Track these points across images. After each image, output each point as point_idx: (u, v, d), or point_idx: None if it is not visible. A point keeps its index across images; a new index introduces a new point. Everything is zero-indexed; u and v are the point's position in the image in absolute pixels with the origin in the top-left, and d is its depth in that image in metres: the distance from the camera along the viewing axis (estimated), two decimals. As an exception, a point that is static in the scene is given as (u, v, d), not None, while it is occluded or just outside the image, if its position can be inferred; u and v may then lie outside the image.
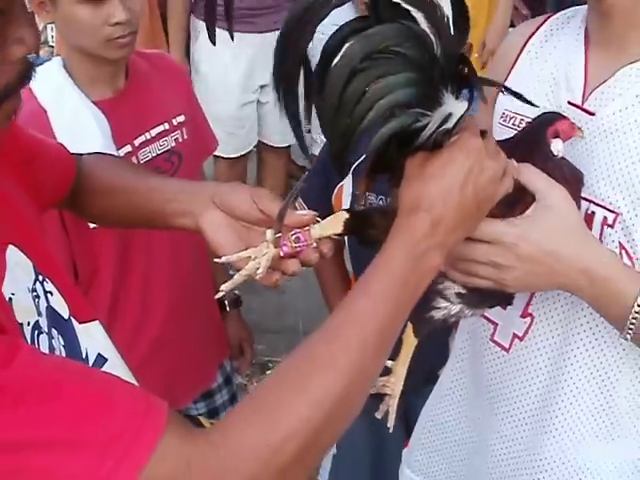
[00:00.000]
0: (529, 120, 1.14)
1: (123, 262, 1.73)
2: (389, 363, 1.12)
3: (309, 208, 1.07)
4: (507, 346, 1.22)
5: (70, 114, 1.61)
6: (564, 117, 1.05)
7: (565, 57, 1.16)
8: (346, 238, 1.93)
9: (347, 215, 1.01)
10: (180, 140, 1.81)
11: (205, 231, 1.05)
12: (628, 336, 1.01)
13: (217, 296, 1.03)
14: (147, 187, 1.16)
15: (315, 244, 0.99)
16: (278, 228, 0.98)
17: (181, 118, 1.82)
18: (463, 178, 0.87)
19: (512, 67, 1.25)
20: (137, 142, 1.72)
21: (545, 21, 1.25)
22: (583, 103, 1.12)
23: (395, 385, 1.13)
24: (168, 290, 1.82)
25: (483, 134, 0.92)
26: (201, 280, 1.94)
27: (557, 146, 1.02)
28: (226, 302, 2.07)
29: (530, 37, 1.24)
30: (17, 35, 0.82)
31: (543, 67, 1.20)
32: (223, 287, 1.01)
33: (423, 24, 0.84)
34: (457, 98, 0.87)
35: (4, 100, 0.84)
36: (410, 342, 1.12)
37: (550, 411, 1.20)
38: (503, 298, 1.08)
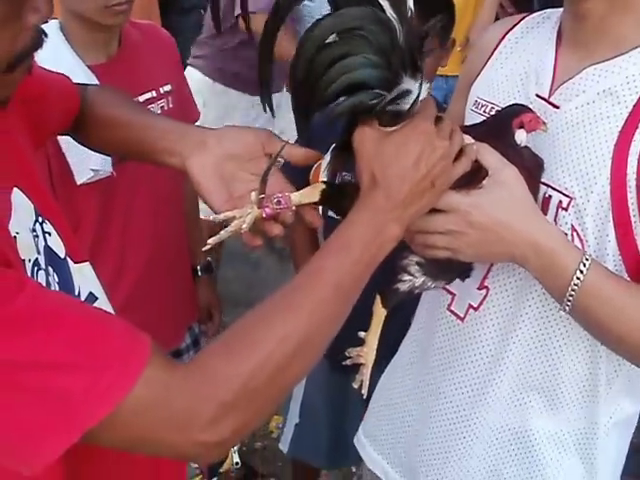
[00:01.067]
0: (499, 109, 1.24)
1: (103, 219, 1.80)
2: (362, 334, 1.22)
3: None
4: (462, 315, 1.31)
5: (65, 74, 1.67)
6: (530, 110, 1.15)
7: (537, 54, 1.26)
8: (321, 211, 2.02)
9: (324, 186, 1.10)
10: (165, 108, 1.89)
11: (192, 174, 1.11)
12: (567, 307, 1.09)
13: (204, 248, 1.11)
14: (142, 123, 1.22)
15: (294, 208, 1.08)
16: (262, 190, 1.06)
17: (168, 87, 1.90)
18: (416, 157, 0.97)
19: (488, 60, 1.35)
20: (126, 107, 1.78)
21: (522, 19, 1.35)
22: (550, 97, 1.21)
23: (368, 354, 1.21)
24: (144, 250, 1.89)
25: (438, 119, 1.02)
26: (177, 243, 2.01)
27: (520, 136, 1.12)
28: (198, 267, 2.15)
29: (507, 33, 1.34)
30: (33, 4, 0.88)
31: (516, 61, 1.29)
32: (210, 240, 1.09)
33: (389, 11, 0.94)
34: (415, 82, 0.98)
35: (20, 63, 0.91)
36: (379, 313, 1.22)
37: (495, 378, 1.28)
38: (460, 270, 1.17)
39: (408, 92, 0.97)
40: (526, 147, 1.14)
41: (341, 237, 0.96)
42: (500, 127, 1.13)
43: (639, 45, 1.13)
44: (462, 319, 1.31)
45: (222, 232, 1.08)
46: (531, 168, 1.13)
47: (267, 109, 1.07)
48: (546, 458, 1.28)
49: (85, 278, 1.10)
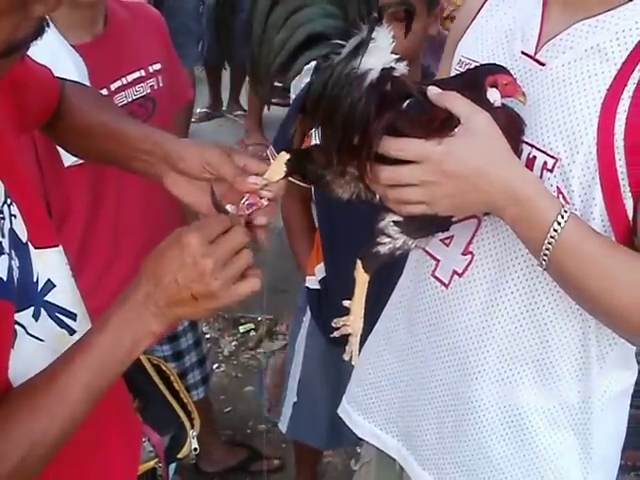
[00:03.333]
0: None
1: (95, 201, 1.79)
2: (346, 303, 1.19)
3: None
4: (447, 282, 1.27)
5: (48, 56, 1.63)
6: (508, 73, 1.10)
7: (524, 11, 1.22)
8: (313, 194, 2.01)
9: (287, 155, 1.08)
10: (155, 87, 1.88)
11: (172, 193, 1.15)
12: (543, 262, 1.04)
13: None
14: (118, 135, 1.22)
15: (266, 202, 1.08)
16: (220, 209, 1.07)
17: (157, 66, 1.88)
18: (174, 270, 0.94)
19: (475, 16, 1.31)
20: (113, 87, 1.79)
21: None
22: (535, 54, 1.17)
23: (354, 323, 1.19)
24: (139, 231, 1.88)
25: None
26: (172, 226, 1.99)
27: (493, 95, 1.07)
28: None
29: None
30: None
31: (502, 18, 1.25)
32: None
33: None
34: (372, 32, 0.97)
35: (17, 50, 0.89)
36: (362, 279, 1.18)
37: (484, 348, 1.24)
38: (438, 224, 1.13)
39: (368, 40, 0.95)
40: (503, 105, 1.09)
41: (94, 332, 0.96)
42: (473, 83, 1.09)
43: (628, 1, 1.09)
44: (446, 285, 1.28)
45: None
46: (507, 127, 1.08)
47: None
48: (538, 435, 1.25)
49: (45, 264, 1.06)
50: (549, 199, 1.04)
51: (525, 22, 1.20)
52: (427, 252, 1.32)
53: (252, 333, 3.47)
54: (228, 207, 1.06)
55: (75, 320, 1.11)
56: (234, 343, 3.41)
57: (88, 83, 1.68)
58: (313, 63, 1.00)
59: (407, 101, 1.05)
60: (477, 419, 1.29)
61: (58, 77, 1.30)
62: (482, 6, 1.30)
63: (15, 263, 0.99)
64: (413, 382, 1.39)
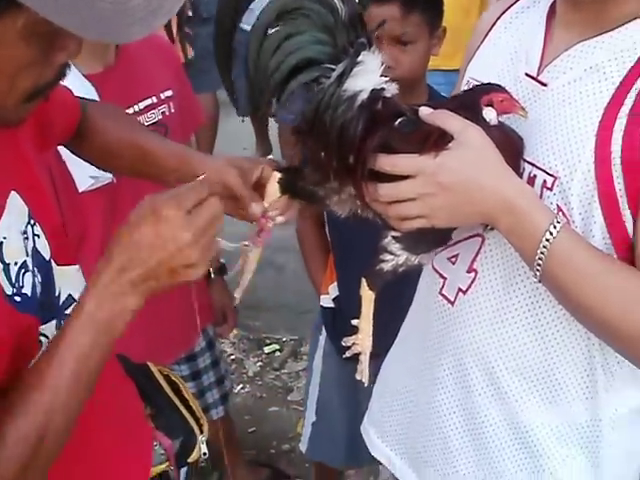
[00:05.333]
0: None
1: (111, 225, 1.82)
2: (354, 322, 1.22)
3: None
4: (452, 299, 1.29)
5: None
6: (504, 90, 1.12)
7: (528, 34, 1.24)
8: (325, 216, 2.04)
9: (279, 174, 1.13)
10: (167, 113, 1.91)
11: None
12: (537, 273, 1.05)
13: (235, 302, 1.24)
14: (146, 154, 1.28)
15: (271, 223, 1.16)
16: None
17: (169, 93, 1.92)
18: (152, 243, 0.95)
19: (484, 39, 1.33)
20: (126, 114, 1.82)
21: (515, 2, 1.32)
22: (538, 75, 1.19)
23: (363, 341, 1.22)
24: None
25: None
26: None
27: (489, 114, 1.10)
28: (211, 270, 2.17)
29: (503, 13, 1.32)
30: (62, 43, 0.91)
31: (508, 41, 1.28)
32: (236, 295, 1.23)
33: None
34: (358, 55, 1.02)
35: (42, 94, 0.96)
36: (368, 297, 1.22)
37: (488, 365, 1.25)
38: (437, 238, 1.16)
39: (360, 63, 0.99)
40: (501, 124, 1.12)
41: (71, 319, 0.97)
42: (468, 103, 1.12)
43: (627, 21, 1.10)
44: (452, 303, 1.29)
45: (242, 282, 1.21)
46: (503, 145, 1.10)
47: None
48: (547, 453, 1.25)
49: (67, 281, 1.12)
50: (542, 210, 1.06)
51: (529, 44, 1.22)
52: (436, 270, 1.34)
53: (277, 354, 3.48)
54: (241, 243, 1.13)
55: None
56: (259, 364, 3.43)
57: (99, 112, 1.73)
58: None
59: (399, 119, 1.08)
60: (485, 437, 1.29)
61: (78, 97, 1.35)
62: (491, 28, 1.33)
63: (38, 279, 1.04)
64: (421, 403, 1.40)
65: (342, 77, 1.02)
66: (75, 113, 1.31)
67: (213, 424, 2.38)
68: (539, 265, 1.05)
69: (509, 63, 1.24)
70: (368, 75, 1.04)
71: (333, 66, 1.02)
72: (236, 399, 3.19)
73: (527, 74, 1.20)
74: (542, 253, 1.03)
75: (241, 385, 3.29)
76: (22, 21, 0.84)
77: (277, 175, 1.13)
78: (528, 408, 1.24)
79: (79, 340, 0.95)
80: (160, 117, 1.90)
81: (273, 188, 1.14)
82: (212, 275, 2.20)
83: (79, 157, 1.41)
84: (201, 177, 1.02)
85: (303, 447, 2.29)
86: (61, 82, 0.99)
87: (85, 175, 1.72)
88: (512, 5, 1.32)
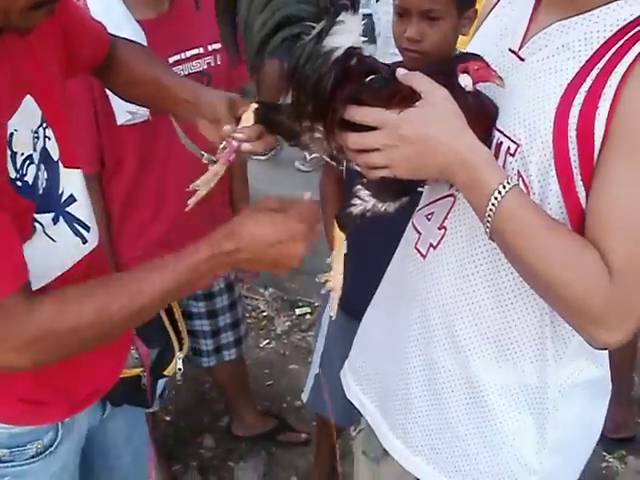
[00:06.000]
0: None
1: (144, 157, 1.99)
2: (327, 260, 1.33)
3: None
4: (425, 253, 1.38)
5: (113, 26, 1.83)
6: (481, 60, 1.21)
7: (519, 11, 1.32)
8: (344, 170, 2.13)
9: (256, 105, 1.26)
10: (212, 64, 2.05)
11: (205, 136, 1.37)
12: (487, 229, 1.12)
13: (186, 209, 1.36)
14: (163, 86, 1.44)
15: (236, 144, 1.28)
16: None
17: (217, 45, 2.05)
18: (270, 242, 1.16)
19: (488, 14, 1.42)
20: (171, 60, 1.98)
21: None
22: (519, 50, 1.27)
23: (335, 278, 1.32)
24: (181, 196, 2.05)
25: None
26: (218, 198, 2.17)
27: (464, 80, 1.20)
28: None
29: None
30: None
31: (502, 18, 1.36)
32: (190, 201, 1.37)
33: None
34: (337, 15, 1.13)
35: (45, 5, 1.10)
36: (339, 237, 1.32)
37: (449, 319, 1.33)
38: (400, 188, 1.25)
39: (340, 22, 1.10)
40: (477, 92, 1.21)
41: (180, 259, 1.16)
42: (445, 69, 1.21)
43: (602, 4, 1.17)
44: (424, 257, 1.38)
45: (197, 192, 1.36)
46: (476, 110, 1.20)
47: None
48: (496, 411, 1.32)
49: (70, 181, 1.30)
50: (495, 169, 1.14)
51: (517, 21, 1.30)
52: (414, 226, 1.43)
53: (307, 317, 3.60)
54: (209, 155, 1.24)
55: (88, 232, 1.34)
56: (288, 323, 3.55)
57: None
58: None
59: (372, 76, 1.18)
60: (441, 386, 1.37)
61: (110, 34, 1.50)
62: (495, 5, 1.41)
63: (44, 175, 1.22)
64: (391, 349, 1.48)
65: (321, 34, 1.13)
66: (104, 46, 1.48)
67: (225, 366, 2.53)
68: (488, 221, 1.13)
69: (498, 38, 1.32)
70: (346, 34, 1.15)
71: (314, 24, 1.13)
72: (260, 353, 3.34)
73: (510, 49, 1.28)
74: (490, 210, 1.11)
75: (267, 341, 3.43)
76: None
77: (254, 106, 1.26)
78: (482, 364, 1.32)
79: (177, 276, 1.15)
80: (205, 67, 2.05)
81: (248, 116, 1.27)
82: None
83: (105, 86, 1.55)
84: (308, 194, 1.25)
85: (304, 397, 2.39)
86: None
87: (123, 110, 1.87)
88: None
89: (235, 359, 2.53)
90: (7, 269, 1.07)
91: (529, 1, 1.30)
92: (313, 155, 4.37)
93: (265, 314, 3.60)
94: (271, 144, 1.31)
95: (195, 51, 2.02)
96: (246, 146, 1.27)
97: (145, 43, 1.89)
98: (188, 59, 2.01)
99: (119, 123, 1.90)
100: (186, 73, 2.00)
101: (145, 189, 2.04)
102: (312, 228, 1.19)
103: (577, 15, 1.19)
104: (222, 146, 1.30)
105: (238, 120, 1.30)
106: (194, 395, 3.09)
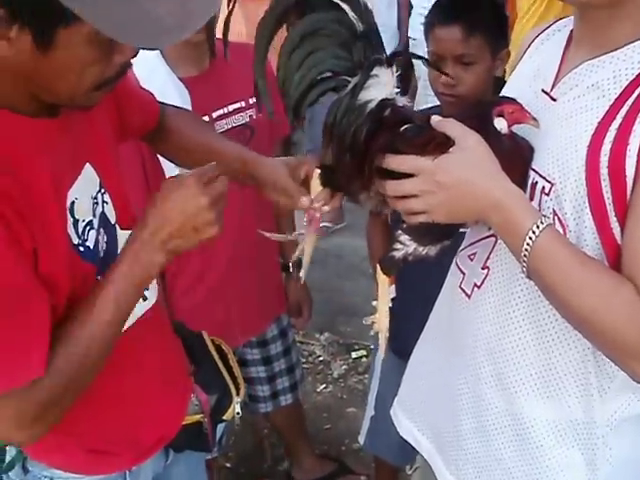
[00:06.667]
0: None
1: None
2: (374, 303, 1.36)
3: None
4: (469, 293, 1.40)
5: (158, 86, 1.92)
6: (515, 103, 1.24)
7: (551, 51, 1.35)
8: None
9: (319, 171, 1.32)
10: (254, 117, 2.11)
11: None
12: (524, 270, 1.14)
13: (301, 274, 1.43)
14: (214, 154, 1.50)
15: (319, 213, 1.36)
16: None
17: (257, 99, 2.11)
18: (179, 205, 1.18)
19: (522, 57, 1.45)
20: (215, 115, 2.05)
21: (553, 24, 1.43)
22: (551, 91, 1.30)
23: (380, 321, 1.36)
24: (232, 244, 2.11)
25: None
26: (265, 239, 2.21)
27: (499, 123, 1.23)
28: (290, 263, 2.34)
29: (539, 35, 1.44)
30: (120, 47, 1.12)
31: (536, 60, 1.39)
32: (300, 274, 1.44)
33: (350, 13, 1.15)
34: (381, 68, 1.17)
35: (105, 87, 1.17)
36: (382, 281, 1.36)
37: (494, 357, 1.34)
38: (442, 232, 1.28)
39: (374, 76, 1.14)
40: (513, 134, 1.24)
41: (112, 271, 1.19)
42: (480, 114, 1.25)
43: (628, 42, 1.19)
44: (469, 296, 1.40)
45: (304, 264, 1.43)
46: (511, 152, 1.22)
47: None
48: (544, 446, 1.32)
49: None
50: (528, 210, 1.16)
51: (549, 62, 1.33)
52: (458, 266, 1.46)
53: (363, 359, 3.61)
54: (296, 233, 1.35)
55: (147, 289, 1.38)
56: (344, 367, 3.57)
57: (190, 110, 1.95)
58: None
59: (406, 126, 1.23)
60: (489, 423, 1.38)
61: (160, 102, 1.57)
62: (527, 49, 1.44)
63: (103, 238, 1.29)
64: (440, 386, 1.51)
65: (355, 89, 1.17)
66: (154, 115, 1.56)
67: (282, 410, 2.56)
68: (525, 261, 1.15)
69: (532, 79, 1.35)
70: (380, 87, 1.19)
71: (349, 78, 1.18)
72: (317, 397, 3.35)
73: (543, 90, 1.31)
74: (526, 250, 1.13)
75: (324, 385, 3.44)
76: (86, 29, 1.04)
77: (317, 171, 1.32)
78: (527, 401, 1.32)
79: (117, 286, 1.18)
80: (247, 120, 2.11)
81: (316, 182, 1.34)
82: (290, 269, 2.36)
83: (156, 152, 1.63)
84: (212, 163, 1.26)
85: (361, 440, 2.40)
86: (123, 77, 1.19)
87: (172, 170, 1.94)
88: (548, 27, 1.43)
89: (292, 404, 2.55)
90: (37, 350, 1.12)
91: (560, 42, 1.33)
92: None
93: (321, 359, 3.62)
94: (339, 202, 1.37)
95: (237, 105, 2.09)
96: (326, 209, 1.34)
97: (189, 100, 1.97)
98: (231, 113, 2.08)
99: (168, 176, 1.96)
100: (230, 127, 2.07)
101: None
102: (209, 179, 1.21)
103: (605, 54, 1.21)
104: (307, 219, 1.36)
105: (302, 182, 1.37)
106: (253, 441, 3.11)
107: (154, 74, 1.95)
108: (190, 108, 1.96)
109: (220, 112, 2.06)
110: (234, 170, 1.47)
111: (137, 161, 1.96)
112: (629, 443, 1.31)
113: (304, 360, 3.53)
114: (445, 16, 1.92)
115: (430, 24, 1.96)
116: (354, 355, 3.64)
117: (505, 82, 1.51)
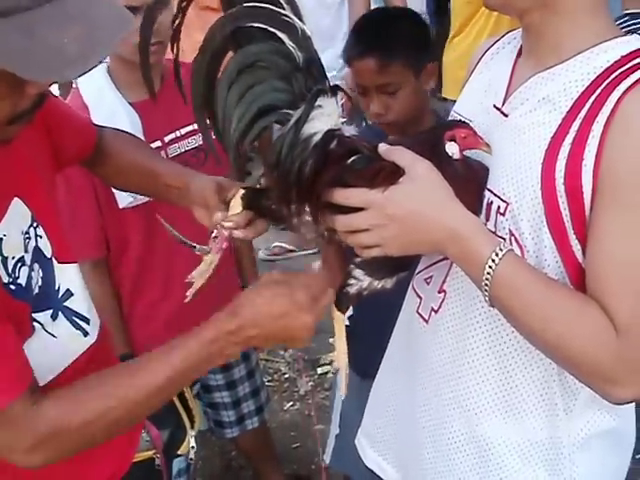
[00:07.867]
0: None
1: (149, 238, 2.01)
2: (331, 340, 1.33)
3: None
4: (427, 317, 1.37)
5: (107, 111, 1.91)
6: (467, 127, 1.21)
7: (501, 65, 1.32)
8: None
9: (243, 191, 1.26)
10: (207, 140, 2.08)
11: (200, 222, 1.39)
12: (486, 297, 1.11)
13: (185, 301, 1.36)
14: (152, 174, 1.47)
15: (227, 232, 1.28)
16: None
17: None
18: (278, 314, 1.14)
19: (471, 73, 1.42)
20: (167, 139, 2.02)
21: (502, 37, 1.40)
22: (502, 106, 1.26)
23: (339, 357, 1.32)
24: (191, 264, 2.06)
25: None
26: (225, 269, 2.18)
27: (451, 149, 1.19)
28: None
29: (488, 49, 1.41)
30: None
31: (486, 75, 1.36)
32: (188, 293, 1.37)
33: (287, 42, 1.10)
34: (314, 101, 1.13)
35: (20, 119, 1.11)
36: (338, 317, 1.32)
37: (454, 381, 1.31)
38: (394, 266, 1.24)
39: (317, 107, 1.11)
40: (465, 158, 1.20)
41: (185, 344, 1.16)
42: (431, 138, 1.21)
43: (577, 52, 1.16)
44: (427, 321, 1.37)
45: (195, 284, 1.36)
46: (466, 178, 1.19)
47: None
48: (508, 468, 1.29)
49: (66, 277, 1.31)
50: (486, 237, 1.12)
51: (499, 76, 1.29)
52: (414, 290, 1.43)
53: (329, 375, 3.57)
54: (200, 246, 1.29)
55: (89, 324, 1.34)
56: (310, 383, 3.53)
57: (142, 136, 1.92)
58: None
59: (353, 157, 1.18)
60: (452, 449, 1.36)
61: (96, 124, 1.53)
62: (477, 65, 1.41)
63: (38, 274, 1.23)
64: (406, 415, 1.48)
65: (299, 122, 1.13)
66: (90, 139, 1.51)
67: (249, 434, 2.52)
68: (486, 290, 1.12)
69: (482, 95, 1.32)
70: (325, 118, 1.15)
71: (291, 111, 1.13)
72: (285, 416, 3.32)
73: (494, 105, 1.27)
74: (487, 279, 1.10)
75: (291, 403, 3.40)
76: None
77: (241, 191, 1.26)
78: (488, 423, 1.30)
79: (183, 364, 1.15)
80: (200, 142, 2.07)
81: (237, 202, 1.27)
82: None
83: (96, 176, 1.58)
84: (317, 264, 1.27)
85: (327, 459, 2.38)
86: (39, 109, 1.14)
87: (125, 193, 1.90)
88: (498, 40, 1.39)
89: (258, 427, 2.52)
90: (6, 376, 1.08)
91: (510, 55, 1.30)
92: (275, 244, 4.37)
93: (287, 376, 3.58)
94: (262, 229, 1.30)
95: (189, 128, 2.05)
96: (237, 233, 1.27)
97: (139, 124, 1.94)
98: (183, 136, 2.05)
99: (121, 206, 1.93)
100: (183, 150, 2.04)
101: (153, 269, 2.06)
102: (319, 297, 1.18)
103: (555, 65, 1.17)
104: (213, 235, 1.30)
105: (227, 204, 1.31)
106: (221, 464, 3.07)
107: (103, 99, 1.92)
108: (141, 133, 1.92)
109: (172, 136, 2.03)
110: (174, 190, 1.43)
111: (89, 190, 1.92)
112: (597, 459, 1.30)
113: (269, 378, 3.50)
114: (359, 49, 1.89)
115: (348, 57, 1.93)
116: (320, 371, 3.60)
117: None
